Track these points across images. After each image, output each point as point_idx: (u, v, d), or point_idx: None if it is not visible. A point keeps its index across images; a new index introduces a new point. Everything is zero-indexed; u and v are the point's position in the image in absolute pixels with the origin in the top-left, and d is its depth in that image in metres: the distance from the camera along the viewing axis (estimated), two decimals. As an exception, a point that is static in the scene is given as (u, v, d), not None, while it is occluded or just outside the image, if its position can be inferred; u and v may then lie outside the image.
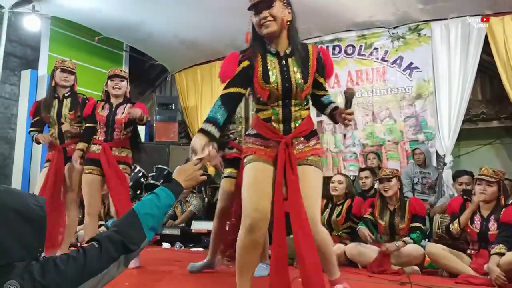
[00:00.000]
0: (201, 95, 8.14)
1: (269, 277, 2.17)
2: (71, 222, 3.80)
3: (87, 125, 3.69)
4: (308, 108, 2.26)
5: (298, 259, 2.15)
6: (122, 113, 3.63)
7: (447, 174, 5.60)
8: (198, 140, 1.96)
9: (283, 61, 2.14)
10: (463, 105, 5.81)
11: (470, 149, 6.64)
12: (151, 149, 7.38)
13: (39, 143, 3.89)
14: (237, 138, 3.46)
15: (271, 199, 2.11)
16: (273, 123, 2.17)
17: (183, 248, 5.28)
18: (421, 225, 3.79)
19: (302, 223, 2.06)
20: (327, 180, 3.92)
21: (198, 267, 3.37)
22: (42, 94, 6.67)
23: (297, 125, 2.17)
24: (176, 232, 5.55)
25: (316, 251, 2.08)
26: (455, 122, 5.80)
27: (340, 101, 2.56)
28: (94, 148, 3.60)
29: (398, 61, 6.35)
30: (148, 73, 9.25)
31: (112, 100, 3.70)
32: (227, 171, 3.40)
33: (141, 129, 8.51)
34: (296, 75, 2.12)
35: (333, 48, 6.77)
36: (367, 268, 3.61)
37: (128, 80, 3.76)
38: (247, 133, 2.34)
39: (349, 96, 2.11)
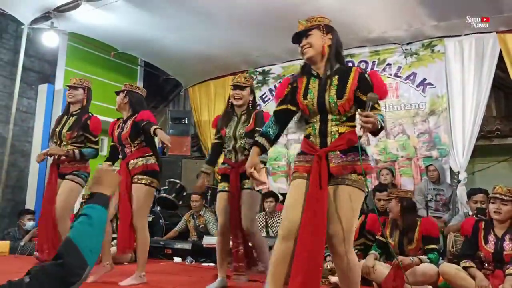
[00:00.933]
0: (214, 109, 8.19)
1: None
2: (63, 233, 3.72)
3: (111, 144, 3.80)
4: (351, 126, 2.32)
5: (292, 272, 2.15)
6: (126, 128, 3.63)
7: (461, 191, 5.54)
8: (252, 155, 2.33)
9: (323, 82, 2.31)
10: (478, 121, 5.76)
11: (484, 166, 6.56)
12: (164, 163, 7.39)
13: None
14: (227, 155, 3.49)
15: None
16: (311, 138, 2.32)
17: (194, 262, 5.28)
18: (436, 246, 3.73)
19: (311, 237, 2.12)
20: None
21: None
22: (58, 108, 6.81)
23: (333, 139, 2.26)
24: (188, 246, 5.56)
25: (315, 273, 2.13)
26: (469, 138, 5.75)
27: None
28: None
29: (411, 77, 6.34)
30: (162, 88, 9.35)
31: (124, 114, 3.76)
32: (220, 185, 3.49)
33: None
34: (330, 92, 2.27)
35: (346, 64, 6.77)
36: (381, 285, 3.56)
37: (130, 92, 3.76)
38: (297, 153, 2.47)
39: (368, 100, 2.14)
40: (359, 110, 2.24)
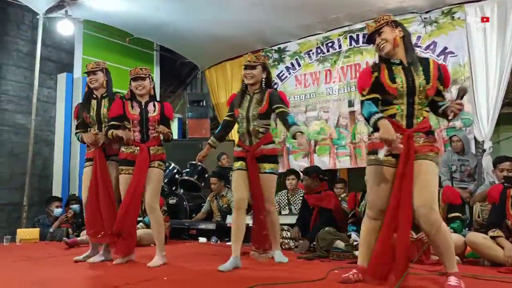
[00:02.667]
0: (231, 90, 8.16)
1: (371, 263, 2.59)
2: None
3: (112, 123, 3.66)
4: (428, 111, 2.63)
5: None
6: (154, 111, 3.66)
7: (486, 160, 5.42)
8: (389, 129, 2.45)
9: (405, 68, 2.57)
10: (502, 88, 5.60)
11: (510, 134, 6.40)
12: (184, 146, 7.50)
13: (84, 142, 3.89)
14: (241, 138, 3.55)
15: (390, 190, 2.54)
16: (397, 118, 2.55)
17: (219, 242, 5.34)
18: (459, 214, 3.68)
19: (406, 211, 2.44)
20: (362, 171, 3.88)
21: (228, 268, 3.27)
22: (77, 96, 6.89)
23: (419, 121, 2.53)
24: (212, 226, 5.62)
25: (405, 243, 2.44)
26: (494, 106, 5.61)
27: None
28: (130, 149, 3.62)
29: (431, 47, 6.18)
30: (179, 72, 9.37)
31: (139, 98, 3.71)
32: (237, 164, 3.53)
33: (174, 126, 8.67)
34: (419, 77, 2.52)
35: (363, 37, 6.65)
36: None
37: (150, 77, 3.76)
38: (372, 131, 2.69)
39: (460, 92, 2.52)
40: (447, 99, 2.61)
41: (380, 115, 2.50)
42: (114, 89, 4.09)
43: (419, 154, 2.50)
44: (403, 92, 2.53)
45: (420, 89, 2.51)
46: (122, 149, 3.67)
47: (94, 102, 3.92)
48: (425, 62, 2.60)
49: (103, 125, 3.82)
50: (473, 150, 5.56)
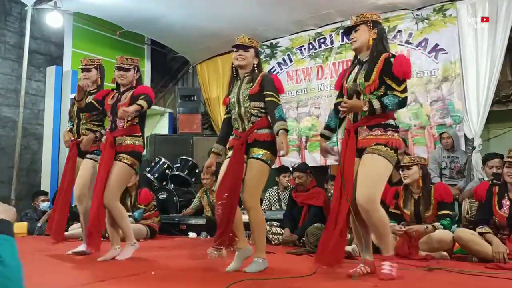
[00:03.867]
0: (222, 85, 8.12)
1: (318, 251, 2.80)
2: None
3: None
4: None
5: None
6: (125, 98, 3.53)
7: (476, 158, 5.45)
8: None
9: (360, 68, 2.77)
10: (492, 86, 5.60)
11: (500, 132, 6.43)
12: (175, 141, 7.46)
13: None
14: (235, 125, 3.16)
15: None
16: (348, 115, 2.78)
17: (209, 237, 5.32)
18: (449, 212, 3.68)
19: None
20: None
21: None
22: (67, 89, 6.82)
23: (363, 116, 2.66)
24: (202, 221, 5.59)
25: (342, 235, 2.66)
26: (484, 104, 5.62)
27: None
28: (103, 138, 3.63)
29: (423, 44, 6.18)
30: (170, 66, 9.31)
31: (121, 88, 3.64)
32: (228, 154, 3.15)
33: (165, 121, 8.62)
34: (362, 75, 2.70)
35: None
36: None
37: (136, 68, 3.66)
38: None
39: (349, 91, 2.70)
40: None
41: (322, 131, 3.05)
42: (105, 83, 4.06)
43: (365, 147, 2.66)
44: (349, 92, 2.72)
45: (360, 88, 2.69)
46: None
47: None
48: (376, 57, 2.71)
49: (81, 121, 3.84)
50: (462, 147, 5.58)
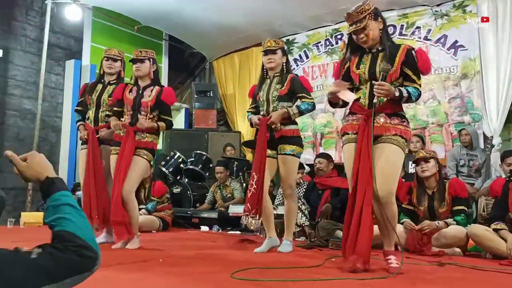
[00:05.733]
0: (238, 82, 8.13)
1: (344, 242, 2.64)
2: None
3: (115, 109, 3.71)
4: None
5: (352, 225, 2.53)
6: (149, 96, 3.58)
7: (495, 157, 5.32)
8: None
9: (374, 55, 2.69)
10: (513, 83, 5.48)
11: (521, 131, 6.28)
12: (190, 136, 7.50)
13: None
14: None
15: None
16: (361, 100, 2.69)
17: (220, 230, 5.32)
18: (464, 208, 3.61)
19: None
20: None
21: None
22: (85, 83, 6.90)
23: (381, 103, 2.60)
24: (214, 215, 5.60)
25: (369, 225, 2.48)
26: (504, 102, 5.49)
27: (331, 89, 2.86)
28: (121, 131, 3.60)
29: (442, 40, 6.08)
30: (187, 63, 9.36)
31: (140, 82, 3.68)
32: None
33: (181, 116, 8.67)
34: (381, 63, 2.61)
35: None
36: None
37: (152, 60, 3.69)
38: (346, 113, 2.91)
39: (381, 71, 2.59)
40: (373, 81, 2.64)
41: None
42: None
43: (382, 136, 2.61)
44: (366, 78, 2.67)
45: (380, 75, 2.61)
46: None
47: (99, 86, 3.94)
48: (395, 48, 2.67)
49: (100, 109, 3.86)
50: (481, 145, 5.46)
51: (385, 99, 2.58)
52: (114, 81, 3.94)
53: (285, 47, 3.62)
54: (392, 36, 6.94)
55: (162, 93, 3.60)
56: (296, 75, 3.52)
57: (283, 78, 3.41)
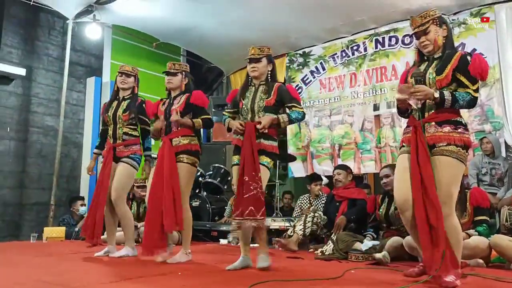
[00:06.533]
0: (255, 95, 8.16)
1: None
2: (121, 216, 3.86)
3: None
4: None
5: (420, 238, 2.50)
6: (178, 103, 3.60)
7: (518, 165, 5.21)
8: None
9: (430, 63, 2.67)
10: (534, 91, 5.38)
11: (544, 139, 6.11)
12: (208, 149, 7.55)
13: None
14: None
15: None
16: (413, 112, 2.69)
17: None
18: (486, 218, 3.54)
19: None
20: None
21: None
22: (106, 99, 7.03)
23: (431, 112, 2.56)
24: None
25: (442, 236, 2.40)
26: (526, 109, 5.39)
27: (397, 96, 2.76)
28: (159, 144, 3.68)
29: (460, 48, 5.99)
30: (205, 77, 9.45)
31: (172, 94, 3.72)
32: (235, 158, 3.30)
33: (211, 117, 8.72)
34: (433, 70, 2.60)
35: (389, 39, 6.56)
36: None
37: (184, 73, 3.72)
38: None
39: (413, 76, 2.64)
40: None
41: None
42: (141, 93, 4.18)
43: (436, 148, 2.54)
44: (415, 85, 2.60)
45: (430, 82, 2.58)
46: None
47: (115, 102, 4.02)
48: (450, 54, 2.61)
49: (118, 126, 3.94)
50: (503, 154, 5.36)
51: (433, 109, 2.56)
52: (129, 97, 4.03)
53: (271, 54, 3.41)
54: (408, 46, 6.94)
55: (191, 97, 3.60)
56: (283, 83, 3.38)
57: (269, 87, 3.24)
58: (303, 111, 3.24)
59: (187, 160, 3.52)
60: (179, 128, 3.55)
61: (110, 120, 3.98)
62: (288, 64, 7.63)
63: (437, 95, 2.49)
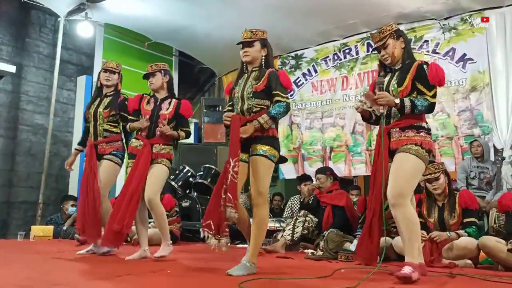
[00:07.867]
0: (247, 96, 8.16)
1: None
2: (104, 214, 3.77)
3: (130, 117, 3.73)
4: None
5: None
6: (167, 109, 3.62)
7: (506, 169, 5.25)
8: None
9: (393, 74, 2.85)
10: (523, 95, 5.45)
11: (532, 143, 6.19)
12: (200, 150, 7.53)
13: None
14: None
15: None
16: (381, 120, 2.82)
17: (229, 244, 5.28)
18: (475, 220, 3.57)
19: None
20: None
21: None
22: (96, 98, 7.01)
23: (395, 119, 2.75)
24: (223, 229, 5.58)
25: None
26: (514, 114, 5.46)
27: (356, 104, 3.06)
28: (137, 143, 3.62)
29: (450, 53, 6.08)
30: (197, 78, 9.45)
31: (157, 95, 3.72)
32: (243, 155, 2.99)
33: (191, 131, 8.70)
34: (395, 81, 2.78)
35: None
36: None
37: (163, 71, 3.72)
38: None
39: (376, 84, 2.83)
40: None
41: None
42: (132, 93, 4.17)
43: (398, 148, 2.72)
44: None
45: (393, 93, 2.75)
46: (132, 140, 3.71)
47: (97, 100, 4.01)
48: (409, 64, 2.79)
49: (98, 122, 3.90)
50: (492, 158, 5.41)
51: (399, 115, 2.73)
52: (112, 93, 3.99)
53: (266, 38, 3.09)
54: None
55: (180, 106, 3.66)
56: (276, 70, 3.03)
57: (261, 73, 2.95)
58: (285, 102, 2.89)
59: (165, 163, 3.60)
60: (162, 136, 3.58)
61: (91, 117, 3.95)
62: (280, 66, 7.65)
63: (397, 101, 2.67)
